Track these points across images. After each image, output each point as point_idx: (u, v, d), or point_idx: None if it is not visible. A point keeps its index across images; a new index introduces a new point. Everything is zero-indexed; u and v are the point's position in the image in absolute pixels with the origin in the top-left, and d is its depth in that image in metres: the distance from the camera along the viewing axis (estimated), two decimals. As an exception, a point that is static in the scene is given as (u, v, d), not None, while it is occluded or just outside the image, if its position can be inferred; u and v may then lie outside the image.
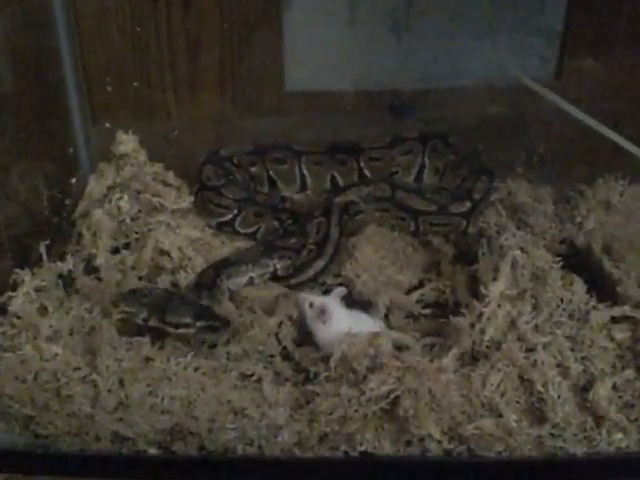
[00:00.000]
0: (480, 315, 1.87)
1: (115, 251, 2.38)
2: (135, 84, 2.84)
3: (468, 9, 2.74)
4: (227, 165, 2.56)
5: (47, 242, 2.21)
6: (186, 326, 1.92)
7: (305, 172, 2.65)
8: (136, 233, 2.41)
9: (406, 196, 2.42)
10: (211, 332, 1.94)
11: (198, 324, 1.92)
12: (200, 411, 1.76)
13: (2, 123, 2.21)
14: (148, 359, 1.92)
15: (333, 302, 1.98)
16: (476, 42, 2.81)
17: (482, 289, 1.91)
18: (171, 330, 1.92)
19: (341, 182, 2.64)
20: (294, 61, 2.79)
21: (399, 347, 1.88)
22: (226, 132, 2.87)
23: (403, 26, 2.74)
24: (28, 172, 2.34)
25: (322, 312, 1.92)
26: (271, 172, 2.65)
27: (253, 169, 2.63)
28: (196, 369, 1.87)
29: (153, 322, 1.97)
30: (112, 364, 1.88)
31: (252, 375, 1.87)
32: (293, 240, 2.35)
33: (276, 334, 2.04)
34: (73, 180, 2.64)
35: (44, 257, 2.19)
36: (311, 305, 1.96)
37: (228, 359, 1.96)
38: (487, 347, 1.84)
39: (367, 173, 2.65)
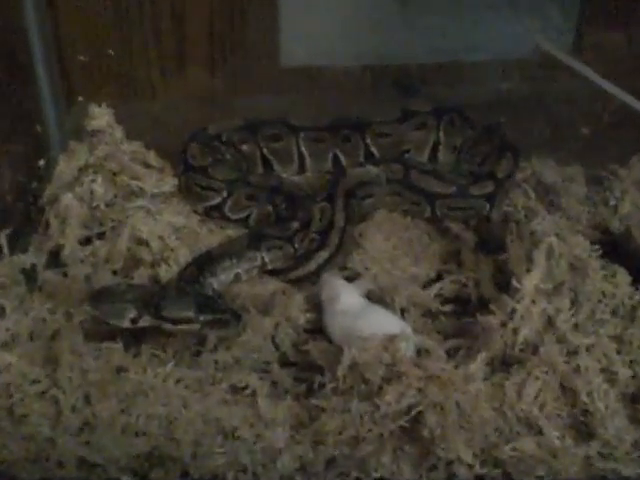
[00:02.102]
0: (512, 312, 1.72)
1: (87, 242, 2.13)
2: (116, 58, 2.67)
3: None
4: (215, 143, 2.34)
5: (8, 231, 2.02)
6: (188, 321, 1.70)
7: (304, 151, 2.43)
8: (112, 221, 2.15)
9: (420, 177, 2.23)
10: (219, 327, 1.74)
11: (202, 318, 1.71)
12: (182, 432, 1.56)
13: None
14: (120, 369, 1.68)
15: (349, 289, 1.85)
16: (489, 13, 2.70)
17: (514, 282, 1.76)
18: (169, 327, 1.71)
19: (345, 162, 2.44)
20: (291, 33, 2.68)
21: (418, 351, 1.74)
22: (216, 111, 2.68)
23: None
24: None
25: (329, 289, 1.83)
26: (265, 151, 2.43)
27: (244, 147, 2.41)
28: (178, 381, 1.67)
29: (145, 321, 1.71)
30: (76, 376, 1.63)
31: (245, 388, 1.67)
32: (283, 227, 2.10)
33: (272, 337, 1.83)
34: (41, 162, 2.35)
35: (4, 249, 2.00)
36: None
37: (216, 369, 1.72)
38: (521, 350, 1.70)
39: (374, 151, 2.44)
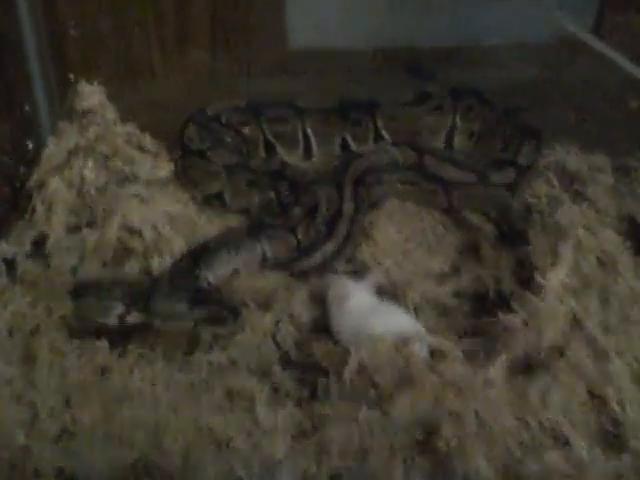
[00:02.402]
0: (536, 311, 1.65)
1: (76, 230, 2.00)
2: (115, 38, 2.57)
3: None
4: (214, 125, 2.25)
5: None
6: (180, 317, 1.59)
7: (310, 134, 2.32)
8: (103, 209, 2.01)
9: (436, 163, 2.11)
10: (214, 324, 1.63)
11: (195, 314, 1.60)
12: (171, 441, 1.45)
13: None
14: (105, 370, 1.56)
15: (359, 287, 1.74)
16: None
17: (537, 277, 1.69)
18: (159, 324, 1.60)
19: (354, 146, 2.33)
20: (298, 13, 2.58)
21: (431, 353, 1.65)
22: (220, 94, 2.53)
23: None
24: None
25: (337, 290, 1.72)
26: (268, 134, 2.33)
27: (246, 130, 2.31)
28: (167, 384, 1.55)
29: (133, 318, 1.60)
30: (55, 377, 1.53)
31: (242, 392, 1.56)
32: (285, 216, 1.98)
33: (273, 335, 1.70)
34: (30, 144, 2.21)
35: None
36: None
37: (210, 371, 1.59)
38: (546, 353, 1.61)
39: (386, 135, 2.33)
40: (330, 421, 1.48)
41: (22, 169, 2.15)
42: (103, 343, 1.60)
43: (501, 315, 1.66)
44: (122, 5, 2.53)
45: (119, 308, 1.58)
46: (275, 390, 1.59)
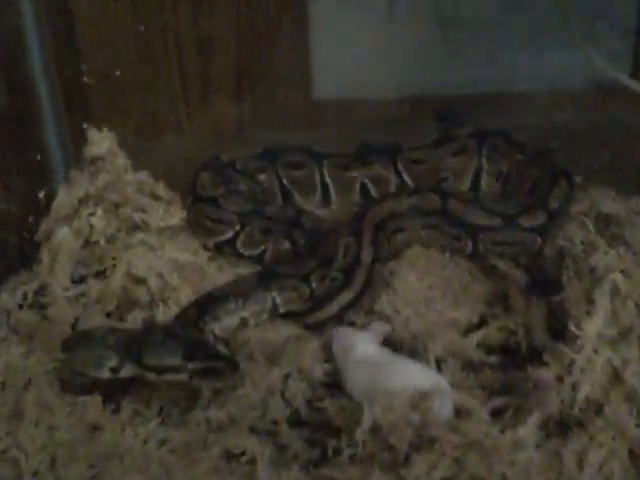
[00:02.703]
0: (570, 365, 1.56)
1: (82, 281, 1.93)
2: (139, 90, 2.51)
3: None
4: (228, 172, 2.17)
5: None
6: (174, 370, 1.49)
7: (328, 180, 2.24)
8: (112, 258, 1.95)
9: (461, 207, 2.01)
10: (211, 377, 1.53)
11: (190, 366, 1.50)
12: None
13: None
14: (95, 428, 1.45)
15: (364, 336, 1.65)
16: (539, 40, 2.53)
17: (572, 327, 1.59)
18: (152, 377, 1.50)
19: (374, 192, 2.23)
20: (323, 63, 2.52)
21: (456, 412, 1.52)
22: (244, 146, 2.45)
23: (450, 20, 2.49)
24: None
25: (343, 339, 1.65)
26: (285, 180, 2.25)
27: (262, 177, 2.23)
28: (162, 443, 1.43)
29: (127, 371, 1.50)
30: (41, 434, 1.41)
31: (242, 454, 1.43)
32: (298, 264, 1.89)
33: (282, 392, 1.58)
34: (41, 193, 2.14)
35: None
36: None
37: (209, 429, 1.46)
38: (582, 410, 1.52)
39: (408, 180, 2.23)
40: (340, 488, 1.35)
41: (31, 219, 2.10)
42: (96, 398, 1.49)
43: (531, 369, 1.57)
44: (146, 56, 2.50)
45: (112, 360, 1.49)
46: (280, 451, 1.47)
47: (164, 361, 1.49)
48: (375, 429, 1.41)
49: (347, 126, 2.58)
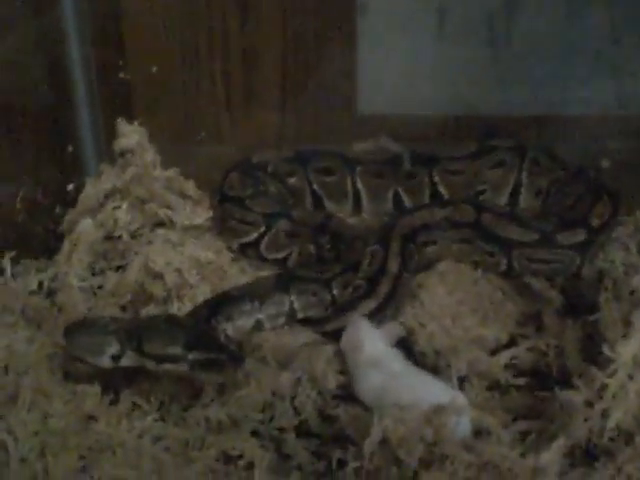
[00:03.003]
0: (602, 389, 1.45)
1: (102, 274, 1.90)
2: (180, 92, 2.50)
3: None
4: (258, 174, 2.14)
5: (12, 254, 1.84)
6: (174, 359, 1.43)
7: (360, 187, 2.19)
8: (135, 254, 1.91)
9: (496, 222, 1.93)
10: (213, 369, 1.47)
11: (191, 356, 1.43)
12: None
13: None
14: (91, 418, 1.38)
15: (374, 334, 1.57)
16: (595, 64, 2.45)
17: (605, 350, 1.48)
18: (151, 366, 1.44)
19: (407, 202, 2.18)
20: (369, 78, 2.48)
21: (476, 432, 1.45)
22: None
23: (502, 39, 2.42)
24: (6, 171, 1.97)
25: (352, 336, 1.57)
26: (315, 185, 2.20)
27: (292, 180, 2.20)
28: (157, 439, 1.36)
29: (129, 359, 1.44)
30: (35, 421, 1.35)
31: (240, 457, 1.35)
32: (321, 269, 1.82)
33: (292, 398, 1.50)
34: (70, 186, 2.14)
35: (6, 272, 1.82)
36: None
37: (208, 429, 1.39)
38: (611, 439, 1.42)
39: (443, 191, 2.17)
40: (340, 500, 1.26)
41: (58, 210, 2.09)
42: (95, 388, 1.44)
43: (559, 392, 1.47)
44: (190, 60, 2.50)
45: (113, 346, 1.43)
46: (284, 460, 1.39)
47: (164, 349, 1.43)
48: (384, 442, 1.32)
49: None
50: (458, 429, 1.36)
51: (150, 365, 1.43)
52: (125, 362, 1.43)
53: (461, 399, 1.43)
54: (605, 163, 2.18)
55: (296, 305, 1.74)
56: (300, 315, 1.75)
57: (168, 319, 1.53)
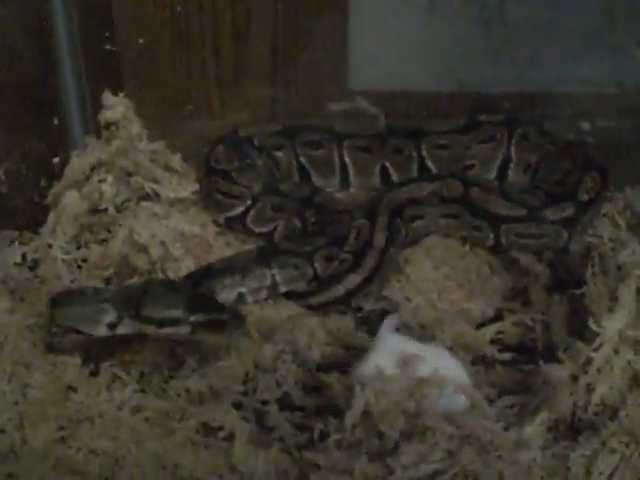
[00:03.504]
0: (587, 364, 1.45)
1: (88, 247, 1.88)
2: (170, 67, 2.44)
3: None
4: (245, 147, 2.11)
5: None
6: (175, 322, 1.41)
7: (347, 160, 2.16)
8: (120, 226, 1.88)
9: (484, 196, 1.93)
10: (215, 331, 1.45)
11: (193, 319, 1.41)
12: (128, 476, 1.24)
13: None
14: (70, 389, 1.37)
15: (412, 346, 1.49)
16: (586, 41, 2.39)
17: (591, 325, 1.47)
18: (151, 331, 1.41)
19: (395, 176, 2.14)
20: (360, 54, 2.44)
21: None
22: None
23: (495, 14, 2.36)
24: None
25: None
26: (302, 159, 2.17)
27: (279, 154, 2.17)
28: (136, 410, 1.36)
29: (126, 326, 1.41)
30: (13, 391, 1.35)
31: (220, 428, 1.34)
32: (303, 242, 1.80)
33: (274, 371, 1.49)
34: (56, 159, 2.10)
35: None
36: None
37: (189, 400, 1.38)
38: (596, 413, 1.43)
39: (430, 165, 2.14)
40: (319, 471, 1.26)
41: (44, 183, 2.05)
42: (75, 359, 1.43)
43: (543, 366, 1.46)
44: (180, 34, 2.46)
45: (110, 314, 1.40)
46: (267, 432, 1.38)
47: (165, 313, 1.40)
48: (366, 414, 1.31)
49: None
50: (454, 404, 1.36)
51: (149, 330, 1.40)
52: (122, 330, 1.40)
53: (462, 374, 1.44)
54: (590, 138, 2.15)
55: (278, 278, 1.73)
56: (282, 288, 1.74)
57: (165, 283, 1.52)
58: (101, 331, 1.41)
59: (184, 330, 1.41)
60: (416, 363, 1.43)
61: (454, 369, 1.46)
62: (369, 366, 1.41)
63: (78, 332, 1.42)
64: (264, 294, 1.72)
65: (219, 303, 1.53)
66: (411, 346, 1.48)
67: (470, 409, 1.40)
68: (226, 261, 1.77)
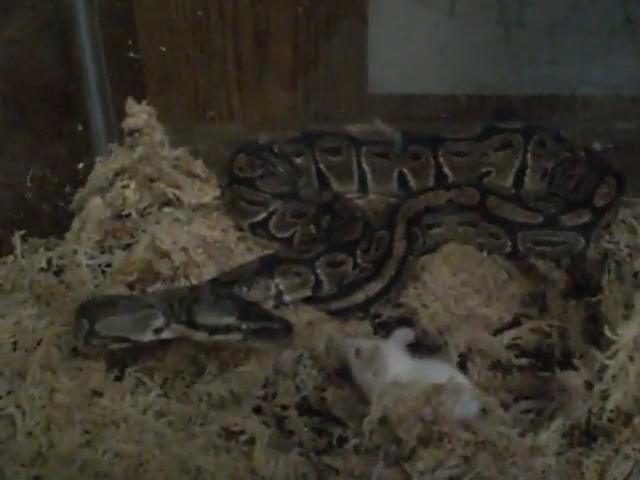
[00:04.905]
0: (602, 371, 1.45)
1: (112, 252, 1.91)
2: (192, 72, 2.49)
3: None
4: (266, 154, 2.12)
5: (22, 232, 1.85)
6: (228, 330, 1.44)
7: (365, 167, 2.17)
8: (144, 232, 1.92)
9: (501, 204, 1.93)
10: (266, 338, 1.48)
11: (245, 326, 1.44)
12: (152, 478, 1.27)
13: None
14: (96, 393, 1.41)
15: (390, 347, 1.51)
16: (606, 40, 2.39)
17: (607, 331, 1.47)
18: (202, 337, 1.44)
19: (413, 182, 2.16)
20: (380, 57, 2.47)
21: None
22: None
23: (515, 17, 2.39)
24: (16, 150, 1.96)
25: (372, 359, 1.47)
26: (321, 165, 2.18)
27: (298, 160, 2.17)
28: (160, 415, 1.38)
29: (172, 332, 1.45)
30: (42, 396, 1.38)
31: (241, 432, 1.37)
32: (303, 250, 1.81)
33: (294, 376, 1.51)
34: (80, 165, 2.15)
35: (17, 250, 1.83)
36: (358, 352, 1.49)
37: (210, 405, 1.40)
38: (610, 420, 1.42)
39: (448, 172, 2.15)
40: (338, 476, 1.29)
41: (68, 189, 2.10)
42: (100, 364, 1.46)
43: (559, 373, 1.46)
44: (202, 40, 2.49)
45: (158, 320, 1.44)
46: (286, 435, 1.40)
47: (219, 320, 1.44)
48: (384, 420, 1.33)
49: (401, 122, 2.48)
50: (465, 409, 1.37)
51: (200, 336, 1.43)
52: (166, 335, 1.44)
53: (459, 377, 1.44)
54: (599, 145, 2.14)
55: (282, 287, 1.72)
56: (287, 297, 1.73)
57: (213, 290, 1.54)
58: (147, 337, 1.44)
59: (235, 337, 1.45)
60: (378, 363, 1.45)
61: (449, 373, 1.45)
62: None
63: (125, 340, 1.45)
64: (271, 304, 1.72)
65: (268, 311, 1.56)
66: (403, 361, 1.49)
67: (482, 414, 1.41)
68: (231, 274, 1.76)
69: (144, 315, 1.44)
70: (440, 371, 1.47)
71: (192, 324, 1.44)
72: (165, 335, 1.45)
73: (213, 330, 1.44)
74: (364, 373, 1.47)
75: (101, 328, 1.44)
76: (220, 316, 1.45)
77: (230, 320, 1.45)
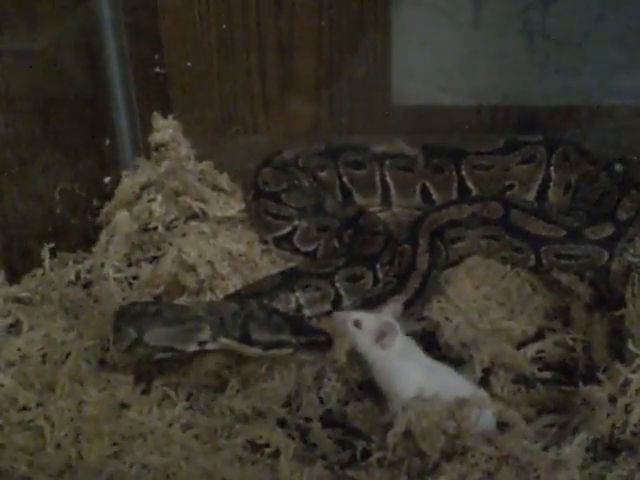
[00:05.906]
0: (625, 385, 1.45)
1: (138, 265, 1.94)
2: (216, 85, 2.52)
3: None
4: (290, 168, 2.16)
5: (51, 246, 1.88)
6: (279, 345, 1.50)
7: (388, 180, 2.20)
8: (170, 245, 1.95)
9: (524, 218, 1.93)
10: (313, 350, 1.54)
11: (295, 340, 1.51)
12: None
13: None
14: (124, 406, 1.43)
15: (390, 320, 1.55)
16: (631, 51, 2.39)
17: (630, 345, 1.50)
18: (256, 353, 1.49)
19: (435, 195, 2.18)
20: (404, 69, 2.48)
21: (502, 425, 1.46)
22: None
23: (539, 28, 2.39)
24: (45, 164, 1.98)
25: (383, 334, 1.50)
26: (345, 178, 2.22)
27: (322, 174, 2.21)
28: (187, 427, 1.40)
29: (216, 344, 1.48)
30: (70, 408, 1.40)
31: (266, 445, 1.39)
32: (323, 264, 1.84)
33: (318, 389, 1.53)
34: (107, 178, 2.19)
35: (45, 263, 1.86)
36: (358, 324, 1.53)
37: (235, 418, 1.43)
38: (634, 434, 1.42)
39: (470, 185, 2.16)
40: (362, 488, 1.28)
41: (95, 202, 2.14)
42: (128, 377, 1.48)
43: (583, 386, 1.47)
44: (226, 53, 2.51)
45: (205, 332, 1.47)
46: (309, 449, 1.42)
47: (275, 336, 1.48)
48: (407, 434, 1.34)
49: (425, 134, 2.49)
50: (481, 423, 1.37)
51: (254, 352, 1.48)
52: (210, 346, 1.47)
53: (481, 393, 1.45)
54: (621, 166, 2.07)
55: (301, 301, 1.75)
56: (307, 311, 1.75)
57: (261, 306, 1.58)
58: (192, 347, 1.47)
59: (287, 351, 1.50)
60: (392, 334, 1.49)
61: (467, 387, 1.47)
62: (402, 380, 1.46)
63: (171, 350, 1.47)
64: None
65: (312, 326, 1.63)
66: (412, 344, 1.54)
67: (501, 427, 1.43)
68: (251, 288, 1.78)
69: (192, 327, 1.47)
70: (447, 375, 1.51)
71: (247, 340, 1.48)
72: (209, 347, 1.48)
73: (268, 346, 1.49)
74: (370, 351, 1.51)
75: (150, 338, 1.46)
76: (275, 333, 1.50)
77: (284, 336, 1.50)
